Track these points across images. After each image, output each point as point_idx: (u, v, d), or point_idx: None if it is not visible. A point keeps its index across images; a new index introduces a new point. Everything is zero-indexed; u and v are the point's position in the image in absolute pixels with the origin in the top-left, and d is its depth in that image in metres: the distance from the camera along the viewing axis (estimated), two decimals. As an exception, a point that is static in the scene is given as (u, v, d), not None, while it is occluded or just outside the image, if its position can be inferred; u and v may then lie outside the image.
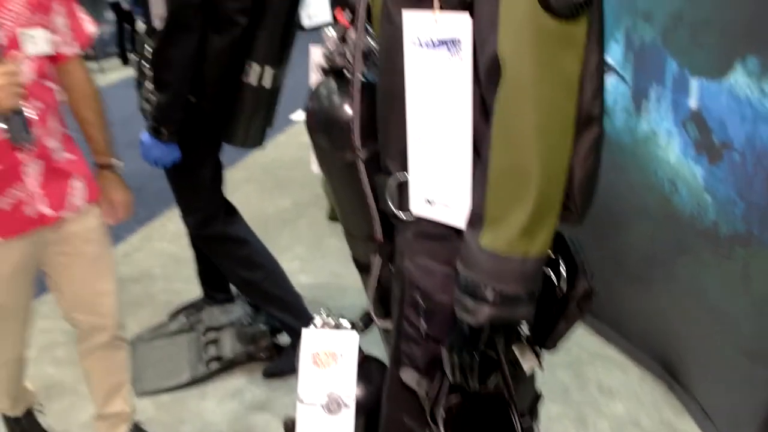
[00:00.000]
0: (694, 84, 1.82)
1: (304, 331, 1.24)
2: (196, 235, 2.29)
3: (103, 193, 1.66)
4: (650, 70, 1.96)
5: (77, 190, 1.58)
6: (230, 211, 2.27)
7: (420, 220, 1.02)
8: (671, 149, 1.94)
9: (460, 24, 0.85)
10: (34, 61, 1.44)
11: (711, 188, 1.82)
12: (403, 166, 1.02)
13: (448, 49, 0.87)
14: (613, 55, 2.07)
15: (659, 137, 1.98)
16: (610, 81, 2.11)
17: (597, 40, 0.86)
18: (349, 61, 1.16)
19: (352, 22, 1.14)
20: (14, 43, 1.40)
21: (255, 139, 2.11)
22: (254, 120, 2.05)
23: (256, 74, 1.96)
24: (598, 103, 0.88)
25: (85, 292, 1.67)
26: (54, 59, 1.51)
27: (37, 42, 1.44)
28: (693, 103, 1.83)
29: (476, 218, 0.89)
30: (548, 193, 0.85)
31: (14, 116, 1.38)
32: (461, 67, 0.87)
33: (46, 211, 1.51)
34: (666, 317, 2.12)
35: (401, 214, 1.04)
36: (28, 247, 1.52)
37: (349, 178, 1.19)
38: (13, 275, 1.53)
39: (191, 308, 2.64)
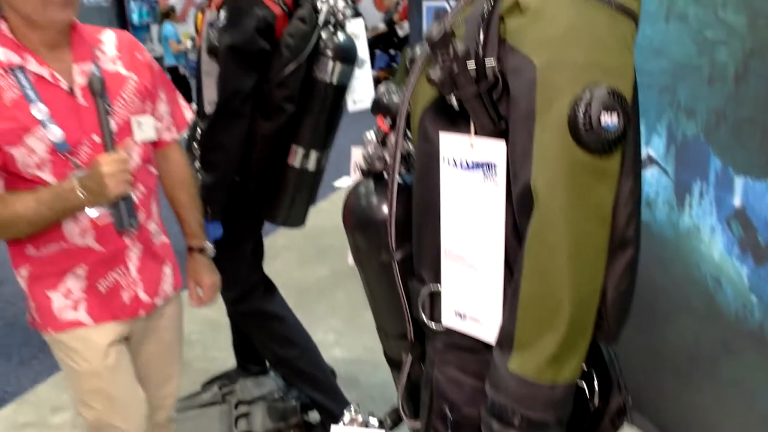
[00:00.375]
0: (738, 182, 1.80)
1: (333, 428, 1.23)
2: (233, 309, 2.32)
3: (192, 275, 1.68)
4: (693, 165, 1.94)
5: (168, 276, 1.60)
6: (268, 287, 2.30)
7: (450, 332, 1.02)
8: (715, 246, 1.91)
9: (495, 150, 0.87)
10: (141, 147, 1.48)
11: (757, 288, 1.77)
12: (436, 277, 1.03)
13: (484, 173, 0.89)
14: (655, 147, 2.07)
15: (702, 233, 1.95)
16: (652, 172, 2.10)
17: (632, 164, 0.87)
18: (387, 165, 1.19)
19: (392, 127, 1.18)
20: (125, 130, 1.45)
21: (297, 218, 2.16)
22: (297, 200, 2.10)
23: (301, 157, 2.02)
24: (633, 227, 0.88)
25: (154, 375, 1.67)
26: (155, 144, 1.57)
27: (144, 129, 1.49)
28: (737, 201, 1.81)
29: (506, 340, 0.89)
30: (580, 320, 0.84)
31: (121, 202, 1.41)
32: (495, 191, 0.88)
33: (143, 297, 1.52)
34: (709, 416, 2.03)
35: (432, 325, 1.04)
36: (121, 330, 1.52)
37: (383, 278, 1.20)
38: (112, 358, 1.51)
39: (225, 378, 2.65)
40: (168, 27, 8.58)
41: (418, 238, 1.09)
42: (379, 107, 1.20)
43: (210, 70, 1.91)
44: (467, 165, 0.91)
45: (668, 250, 2.09)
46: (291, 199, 2.09)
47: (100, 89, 1.39)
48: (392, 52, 10.83)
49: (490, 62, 0.82)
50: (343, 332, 3.17)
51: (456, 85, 0.82)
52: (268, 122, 1.93)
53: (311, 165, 2.05)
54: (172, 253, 1.62)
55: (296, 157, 2.01)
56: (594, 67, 0.78)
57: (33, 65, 1.34)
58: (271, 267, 2.34)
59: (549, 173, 0.79)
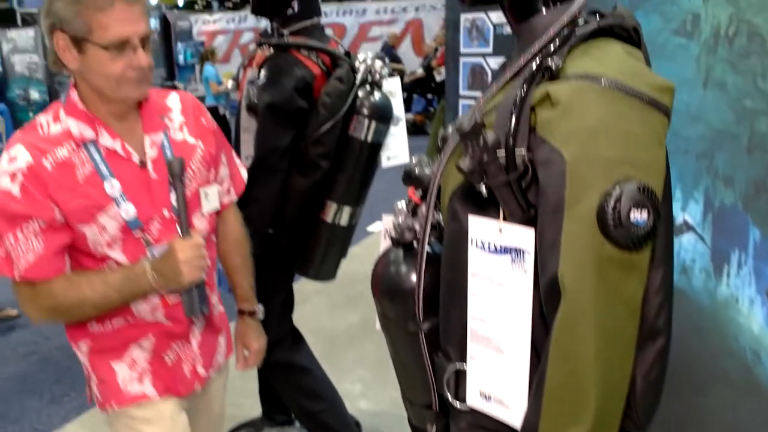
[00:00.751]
0: (779, 254, 1.75)
1: None
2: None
3: (241, 339, 1.63)
4: (731, 233, 1.90)
5: (222, 346, 1.56)
6: (296, 339, 2.31)
7: (475, 412, 1.01)
8: (754, 318, 1.85)
9: (524, 237, 0.87)
10: (207, 219, 1.44)
11: (798, 365, 1.71)
12: (462, 356, 1.02)
13: (512, 258, 0.89)
14: (692, 213, 2.03)
15: (741, 304, 1.89)
16: (689, 239, 2.06)
17: (663, 255, 0.86)
18: (417, 236, 1.20)
19: (423, 198, 1.19)
20: (194, 202, 1.40)
21: (328, 272, 2.17)
22: (329, 255, 2.12)
23: (334, 212, 2.05)
24: (663, 316, 0.87)
25: None
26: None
27: (211, 199, 1.44)
28: (777, 273, 1.76)
29: (530, 428, 0.87)
30: (606, 414, 0.83)
31: (194, 289, 1.34)
32: (523, 278, 0.88)
33: (201, 371, 1.48)
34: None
35: (456, 404, 1.03)
36: (181, 403, 1.49)
37: (409, 348, 1.19)
38: (179, 429, 1.47)
39: (250, 426, 2.65)
40: (209, 68, 8.84)
41: (444, 315, 1.08)
42: (410, 179, 1.21)
43: (249, 126, 1.96)
44: (495, 249, 0.91)
45: (705, 318, 2.04)
46: (323, 254, 2.11)
47: (179, 172, 1.34)
48: (429, 96, 10.94)
49: (520, 152, 0.82)
50: (371, 383, 3.14)
51: (486, 173, 0.83)
52: (303, 178, 1.96)
53: (344, 220, 2.07)
54: (227, 322, 1.59)
55: (330, 212, 2.04)
56: (624, 162, 0.78)
57: (106, 139, 1.30)
58: (300, 312, 2.34)
59: (577, 266, 0.79)
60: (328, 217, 2.05)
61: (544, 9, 0.94)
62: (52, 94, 8.53)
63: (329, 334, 3.59)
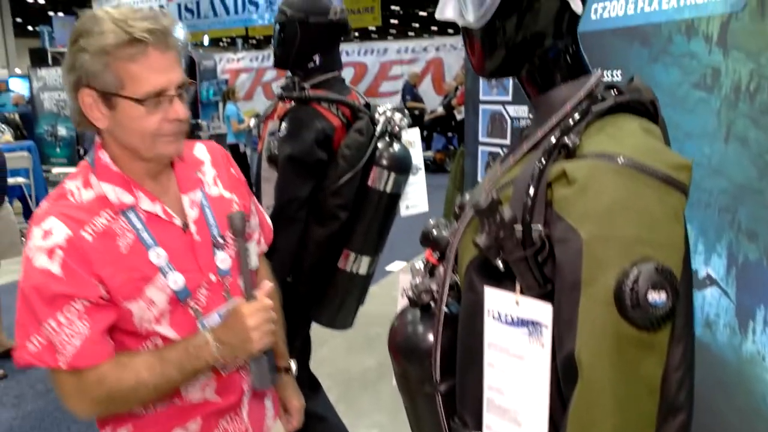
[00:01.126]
0: (806, 312, 1.71)
1: None
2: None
3: (281, 399, 1.50)
4: (756, 289, 1.87)
5: (269, 410, 1.44)
6: (313, 386, 2.29)
7: (492, 482, 0.99)
8: (781, 377, 1.80)
9: (541, 311, 0.86)
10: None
11: (828, 428, 1.65)
12: (478, 424, 1.00)
13: (529, 332, 0.88)
14: (715, 268, 2.00)
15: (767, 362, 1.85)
16: (712, 293, 2.02)
17: (683, 330, 0.84)
18: (434, 297, 1.20)
19: (440, 260, 1.19)
20: (236, 262, 1.30)
21: (344, 321, 2.17)
22: (346, 303, 2.12)
23: (352, 262, 2.05)
24: (684, 392, 0.85)
25: None
26: None
27: (252, 257, 1.35)
28: (804, 332, 1.72)
29: None
30: None
31: (263, 357, 1.22)
32: (541, 352, 0.87)
33: None
34: None
35: (473, 474, 1.01)
36: None
37: (426, 409, 1.18)
38: None
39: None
40: (230, 107, 9.01)
41: (461, 381, 1.07)
42: (428, 241, 1.21)
43: (269, 177, 1.98)
44: (512, 321, 0.90)
45: (730, 374, 1.99)
46: (341, 302, 2.11)
47: (241, 227, 1.24)
48: (449, 134, 11.01)
49: (537, 228, 0.82)
50: (387, 428, 3.10)
51: (502, 249, 0.83)
52: (322, 228, 1.97)
53: (362, 269, 2.07)
54: None
55: (347, 261, 2.04)
56: (641, 242, 0.77)
57: (145, 203, 1.19)
58: (317, 355, 2.33)
59: (594, 346, 0.78)
60: (347, 266, 2.05)
61: (561, 82, 0.94)
62: (79, 131, 8.74)
63: (346, 376, 3.57)
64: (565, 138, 0.83)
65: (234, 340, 1.18)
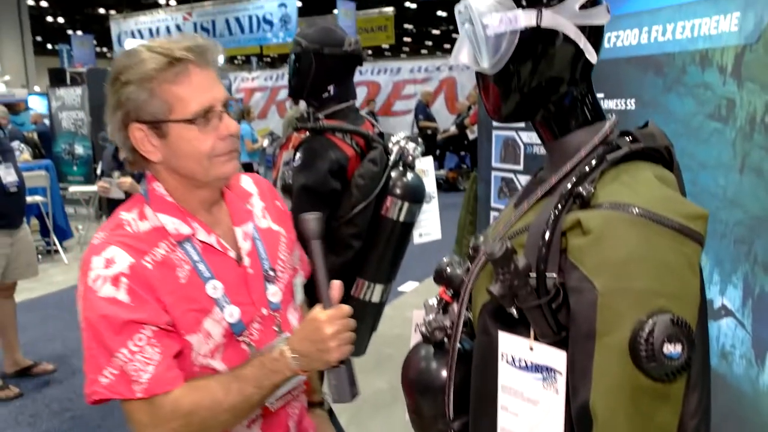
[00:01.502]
0: (824, 346, 1.69)
1: None
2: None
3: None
4: (773, 322, 1.85)
5: None
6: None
7: None
8: (799, 411, 1.78)
9: (555, 358, 0.86)
10: (298, 312, 1.33)
11: None
12: (492, 466, 1.00)
13: (543, 377, 0.88)
14: (731, 299, 1.98)
15: (785, 395, 1.82)
16: (728, 323, 2.00)
17: (699, 377, 0.84)
18: (447, 333, 1.20)
19: (454, 297, 1.19)
20: (288, 296, 1.28)
21: (358, 347, 2.15)
22: (360, 331, 2.09)
23: (364, 290, 2.05)
24: None
25: None
26: None
27: (299, 290, 1.33)
28: (823, 365, 1.69)
29: None
30: None
31: (343, 367, 1.16)
32: (555, 398, 0.87)
33: None
34: None
35: None
36: None
37: (439, 447, 1.18)
38: None
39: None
40: (244, 127, 9.09)
41: (474, 423, 1.07)
42: (441, 278, 1.21)
43: (283, 206, 1.99)
44: (526, 366, 0.90)
45: (746, 406, 1.96)
46: (353, 330, 2.10)
47: (318, 231, 1.19)
48: (462, 153, 11.03)
49: (552, 276, 0.82)
50: (400, 455, 3.08)
51: (517, 297, 0.83)
52: (335, 257, 1.98)
53: (375, 297, 2.07)
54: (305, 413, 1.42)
55: (360, 289, 2.05)
56: (656, 293, 0.77)
57: (201, 234, 1.16)
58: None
59: (609, 397, 0.78)
60: (360, 295, 2.05)
61: (576, 128, 0.95)
62: (96, 150, 8.86)
63: (357, 399, 3.54)
64: (580, 187, 0.84)
65: (312, 350, 1.12)
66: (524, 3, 0.89)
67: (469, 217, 3.26)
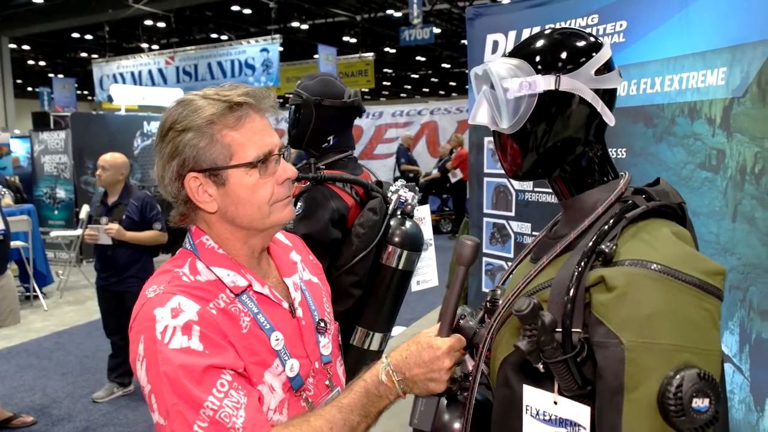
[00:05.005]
0: (821, 391, 1.71)
1: None
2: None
3: None
4: (770, 367, 1.87)
5: None
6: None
7: None
8: (800, 458, 1.79)
9: (580, 413, 0.87)
10: (342, 366, 1.30)
11: None
12: None
13: (568, 431, 0.89)
14: (728, 344, 2.01)
15: (785, 441, 1.84)
16: (726, 369, 2.02)
17: (720, 428, 0.85)
18: (459, 384, 1.20)
19: (465, 348, 1.19)
20: (336, 349, 1.26)
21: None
22: (358, 379, 2.10)
23: (362, 338, 2.04)
24: None
25: None
26: None
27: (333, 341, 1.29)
28: (821, 411, 1.71)
29: None
30: None
31: (437, 397, 1.08)
32: (581, 455, 0.87)
33: None
34: None
35: None
36: None
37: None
38: None
39: None
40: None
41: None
42: (455, 329, 1.22)
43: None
44: (551, 420, 0.91)
45: (747, 453, 1.97)
46: (352, 376, 2.08)
47: (471, 258, 1.08)
48: (444, 196, 11.12)
49: (577, 332, 0.84)
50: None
51: (542, 353, 0.84)
52: (336, 306, 1.96)
53: (374, 346, 2.06)
54: None
55: (360, 338, 2.04)
56: (681, 349, 0.79)
57: (256, 285, 1.13)
58: None
59: None
60: (359, 343, 2.04)
61: (592, 186, 0.98)
62: (78, 194, 8.78)
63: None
64: (603, 245, 0.86)
65: (420, 376, 1.03)
66: (543, 68, 0.93)
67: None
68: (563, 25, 2.39)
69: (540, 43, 0.96)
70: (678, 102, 2.10)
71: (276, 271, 1.22)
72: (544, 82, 0.92)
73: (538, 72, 0.93)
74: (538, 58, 0.94)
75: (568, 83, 0.92)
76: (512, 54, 0.98)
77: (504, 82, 0.93)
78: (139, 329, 1.03)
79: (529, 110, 0.93)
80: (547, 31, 0.99)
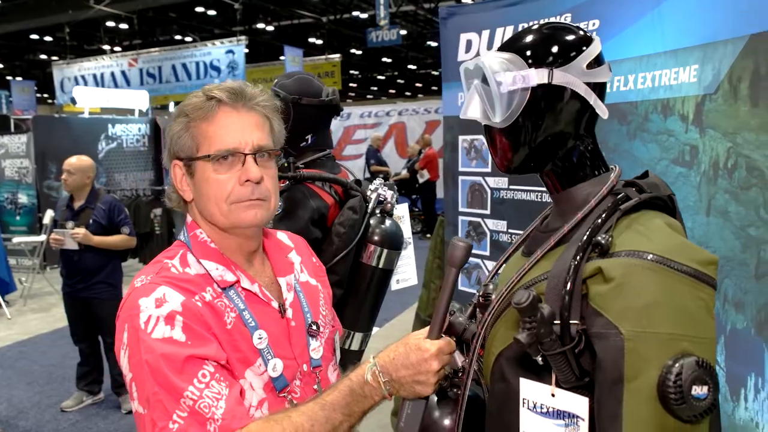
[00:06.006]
0: (795, 380, 1.76)
1: None
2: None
3: None
4: (746, 358, 1.91)
5: None
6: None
7: None
8: (775, 445, 1.83)
9: (578, 404, 0.87)
10: (337, 371, 1.29)
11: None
12: None
13: (566, 424, 0.89)
14: (702, 336, 2.05)
15: (762, 429, 1.88)
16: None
17: (715, 418, 0.87)
18: (449, 381, 1.19)
19: (458, 348, 1.19)
20: (329, 353, 1.24)
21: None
22: (339, 379, 2.08)
23: (344, 338, 2.02)
24: None
25: None
26: None
27: (337, 347, 1.31)
28: (795, 399, 1.76)
29: None
30: None
31: (424, 401, 1.06)
32: (579, 446, 0.87)
33: None
34: None
35: None
36: None
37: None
38: None
39: None
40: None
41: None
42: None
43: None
44: (549, 412, 0.91)
45: (723, 442, 2.01)
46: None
47: (463, 258, 1.04)
48: (414, 196, 11.16)
49: (575, 323, 0.84)
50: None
51: (541, 345, 0.84)
52: (316, 306, 1.96)
53: (354, 345, 2.05)
54: None
55: (341, 338, 2.02)
56: (680, 337, 0.80)
57: (245, 282, 1.13)
58: None
59: None
60: (340, 343, 2.02)
61: (583, 180, 0.99)
62: (41, 199, 8.56)
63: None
64: (599, 236, 0.86)
65: (407, 378, 1.01)
66: (535, 62, 0.93)
67: (436, 261, 3.28)
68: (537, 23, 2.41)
69: (531, 38, 0.96)
70: (651, 99, 2.14)
71: (271, 271, 1.21)
72: (537, 76, 0.92)
73: (530, 66, 0.93)
74: (530, 52, 0.95)
75: (560, 77, 0.92)
76: (503, 48, 0.98)
77: (497, 75, 0.93)
78: (124, 318, 1.04)
79: (522, 104, 0.93)
80: (537, 26, 0.99)
